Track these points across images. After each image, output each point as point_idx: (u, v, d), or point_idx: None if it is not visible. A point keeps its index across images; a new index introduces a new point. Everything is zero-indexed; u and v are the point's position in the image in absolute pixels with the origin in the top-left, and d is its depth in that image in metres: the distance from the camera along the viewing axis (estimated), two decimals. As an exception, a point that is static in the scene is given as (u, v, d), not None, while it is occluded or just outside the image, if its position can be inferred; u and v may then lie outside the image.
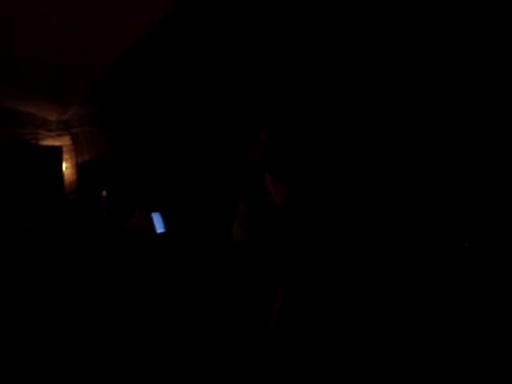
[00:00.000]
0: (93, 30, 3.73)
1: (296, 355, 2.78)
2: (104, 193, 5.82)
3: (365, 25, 3.12)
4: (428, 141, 3.07)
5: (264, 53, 3.78)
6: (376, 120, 3.21)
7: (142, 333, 3.94)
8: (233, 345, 3.47)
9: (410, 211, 3.14)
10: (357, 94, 3.28)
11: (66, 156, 6.01)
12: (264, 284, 3.72)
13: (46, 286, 5.00)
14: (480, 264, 2.91)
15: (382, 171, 3.18)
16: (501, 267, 2.83)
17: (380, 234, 3.16)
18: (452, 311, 2.94)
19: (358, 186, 3.23)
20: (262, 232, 2.88)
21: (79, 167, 6.06)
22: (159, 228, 5.22)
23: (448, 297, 3.01)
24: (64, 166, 5.97)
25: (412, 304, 3.04)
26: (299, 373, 2.78)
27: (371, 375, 2.79)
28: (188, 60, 4.27)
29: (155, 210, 5.29)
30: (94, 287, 4.93)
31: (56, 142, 6.00)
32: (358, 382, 2.68)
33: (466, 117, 2.87)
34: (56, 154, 5.98)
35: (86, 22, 3.57)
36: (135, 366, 3.38)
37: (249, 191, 4.06)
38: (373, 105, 3.21)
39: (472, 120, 2.87)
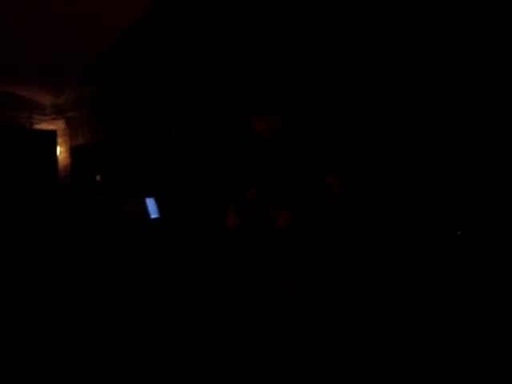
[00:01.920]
0: (88, 11, 3.69)
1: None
2: (98, 177, 5.80)
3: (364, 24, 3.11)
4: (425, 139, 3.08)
5: (260, 36, 3.75)
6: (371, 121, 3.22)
7: (136, 318, 3.96)
8: (230, 334, 3.49)
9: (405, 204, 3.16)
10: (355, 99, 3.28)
11: (60, 140, 5.97)
12: (258, 270, 3.74)
13: (39, 271, 5.00)
14: (473, 253, 2.93)
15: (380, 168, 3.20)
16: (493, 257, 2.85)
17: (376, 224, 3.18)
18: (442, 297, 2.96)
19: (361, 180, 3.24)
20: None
21: (73, 151, 6.03)
22: (153, 213, 5.21)
23: (437, 281, 3.03)
24: (58, 150, 5.94)
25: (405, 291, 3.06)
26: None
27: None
28: (183, 42, 4.24)
29: (149, 195, 5.28)
30: (88, 272, 4.94)
31: (50, 126, 5.97)
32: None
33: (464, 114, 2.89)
34: (50, 138, 5.94)
35: (81, 3, 3.54)
36: (127, 352, 3.41)
37: (244, 177, 4.05)
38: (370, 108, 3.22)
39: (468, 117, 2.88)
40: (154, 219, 5.17)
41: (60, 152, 5.93)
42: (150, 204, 5.19)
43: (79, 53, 4.52)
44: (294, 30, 3.55)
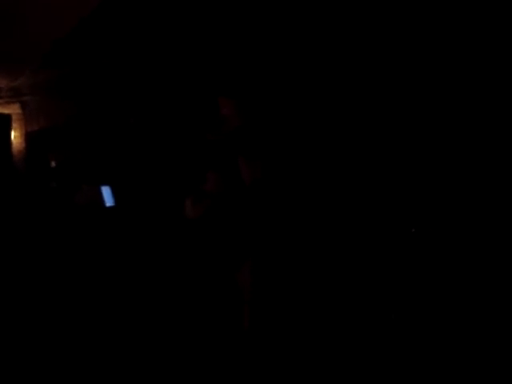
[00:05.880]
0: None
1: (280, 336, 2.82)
2: (53, 163, 5.72)
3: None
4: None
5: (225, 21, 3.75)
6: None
7: (84, 305, 3.95)
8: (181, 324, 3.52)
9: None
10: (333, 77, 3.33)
11: (14, 125, 5.86)
12: (217, 260, 3.79)
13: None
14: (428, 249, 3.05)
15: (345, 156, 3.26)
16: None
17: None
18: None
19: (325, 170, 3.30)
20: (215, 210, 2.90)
21: (28, 136, 5.93)
22: (108, 201, 5.18)
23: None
24: (13, 134, 5.83)
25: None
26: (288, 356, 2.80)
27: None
28: (145, 26, 4.22)
29: (105, 183, 5.24)
30: (42, 259, 4.87)
31: (5, 110, 5.84)
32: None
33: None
34: (4, 122, 5.82)
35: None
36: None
37: (203, 167, 4.08)
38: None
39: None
40: (110, 207, 5.14)
41: (14, 137, 5.82)
42: (106, 192, 5.16)
43: (37, 37, 4.45)
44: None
